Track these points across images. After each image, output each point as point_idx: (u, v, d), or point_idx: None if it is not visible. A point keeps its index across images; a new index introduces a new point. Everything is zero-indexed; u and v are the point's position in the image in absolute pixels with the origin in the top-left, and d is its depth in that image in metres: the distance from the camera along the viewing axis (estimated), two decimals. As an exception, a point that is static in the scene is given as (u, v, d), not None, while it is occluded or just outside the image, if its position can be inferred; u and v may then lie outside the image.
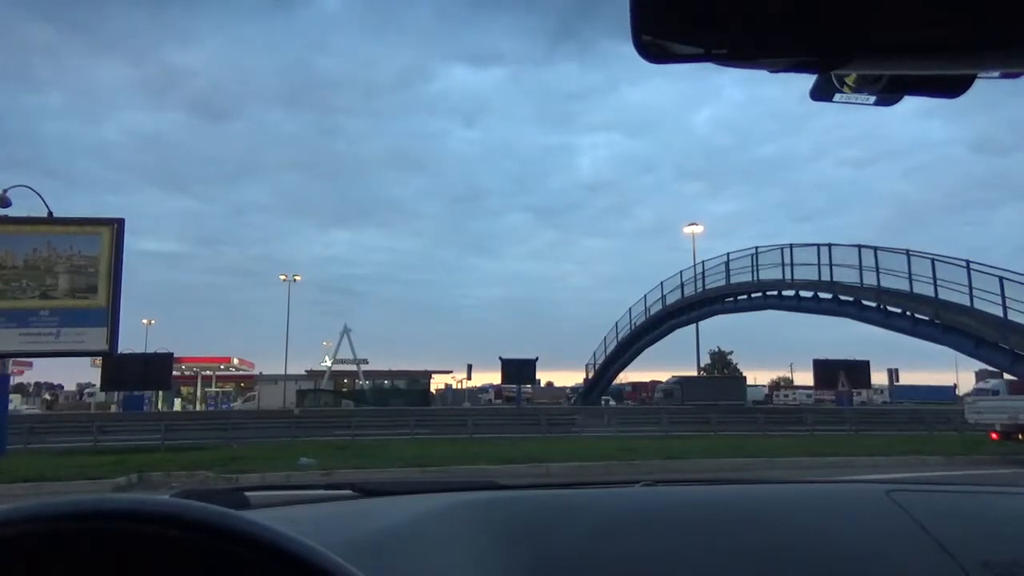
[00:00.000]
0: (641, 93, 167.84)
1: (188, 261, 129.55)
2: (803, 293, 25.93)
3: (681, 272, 33.56)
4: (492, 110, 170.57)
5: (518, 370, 32.27)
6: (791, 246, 26.10)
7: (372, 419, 24.37)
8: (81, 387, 57.29)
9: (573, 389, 55.28)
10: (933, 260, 20.59)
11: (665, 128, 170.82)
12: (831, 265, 24.00)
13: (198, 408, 51.30)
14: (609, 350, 38.92)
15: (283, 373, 51.69)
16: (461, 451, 16.43)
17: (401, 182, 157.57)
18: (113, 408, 38.99)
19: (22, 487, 11.57)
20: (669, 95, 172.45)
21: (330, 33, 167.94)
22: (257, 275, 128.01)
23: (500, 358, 32.19)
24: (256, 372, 59.40)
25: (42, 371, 64.72)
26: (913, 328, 21.30)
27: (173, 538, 0.55)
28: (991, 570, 1.14)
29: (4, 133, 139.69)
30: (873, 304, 22.59)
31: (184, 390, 58.05)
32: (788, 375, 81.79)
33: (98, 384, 37.42)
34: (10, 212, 18.23)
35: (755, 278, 27.94)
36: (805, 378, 54.16)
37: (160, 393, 39.06)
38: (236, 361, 62.80)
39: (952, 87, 0.63)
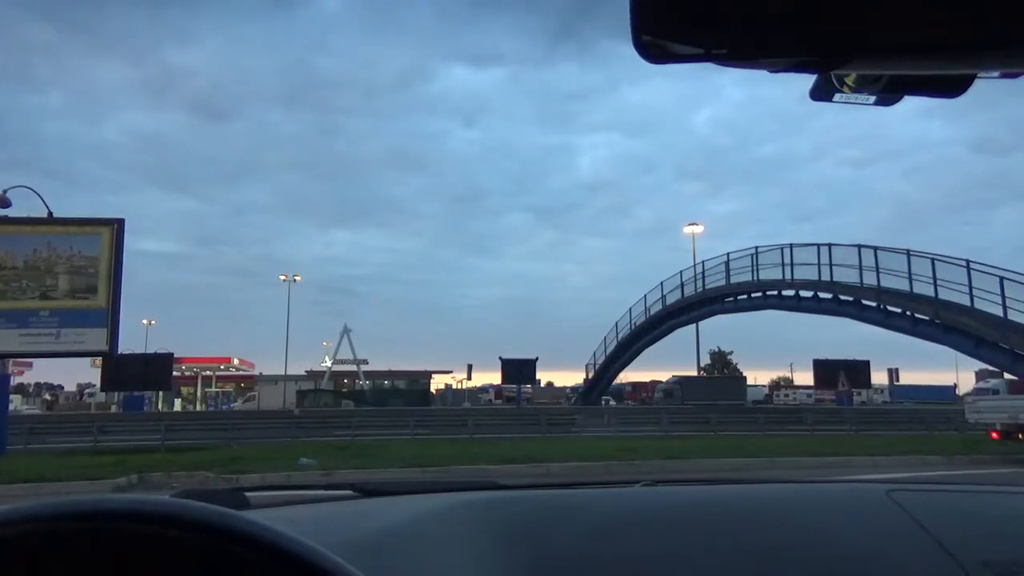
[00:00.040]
0: (641, 93, 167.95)
1: (188, 261, 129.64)
2: (803, 293, 25.93)
3: (681, 272, 33.61)
4: (492, 110, 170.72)
5: (518, 370, 32.28)
6: (791, 246, 26.11)
7: (372, 419, 24.37)
8: (81, 387, 57.30)
9: (573, 389, 55.29)
10: (933, 260, 20.59)
11: (665, 128, 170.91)
12: (831, 265, 24.00)
13: (198, 408, 51.27)
14: (609, 350, 38.92)
15: (283, 373, 51.72)
16: (461, 451, 16.43)
17: (401, 182, 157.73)
18: (113, 408, 38.98)
19: (22, 487, 11.56)
20: (669, 95, 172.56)
21: (330, 33, 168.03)
22: (257, 275, 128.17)
23: (500, 358, 32.23)
24: (256, 372, 59.41)
25: (42, 371, 64.81)
26: (913, 328, 21.30)
27: (173, 538, 0.55)
28: (991, 570, 1.14)
29: (4, 133, 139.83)
30: (873, 304, 22.59)
31: (184, 390, 58.07)
32: (788, 375, 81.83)
33: (98, 384, 37.47)
34: (10, 212, 18.26)
35: (755, 278, 27.94)
36: (805, 378, 54.23)
37: (160, 393, 39.10)
38: (236, 361, 62.80)
39: (952, 87, 0.63)
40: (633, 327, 36.67)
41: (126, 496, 0.59)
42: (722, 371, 61.62)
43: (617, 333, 38.35)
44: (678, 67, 0.54)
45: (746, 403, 38.06)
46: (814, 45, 0.52)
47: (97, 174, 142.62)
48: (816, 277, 24.70)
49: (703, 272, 31.73)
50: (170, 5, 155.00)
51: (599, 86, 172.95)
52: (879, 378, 44.52)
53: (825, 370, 34.43)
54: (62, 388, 67.63)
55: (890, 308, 22.07)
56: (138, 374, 27.20)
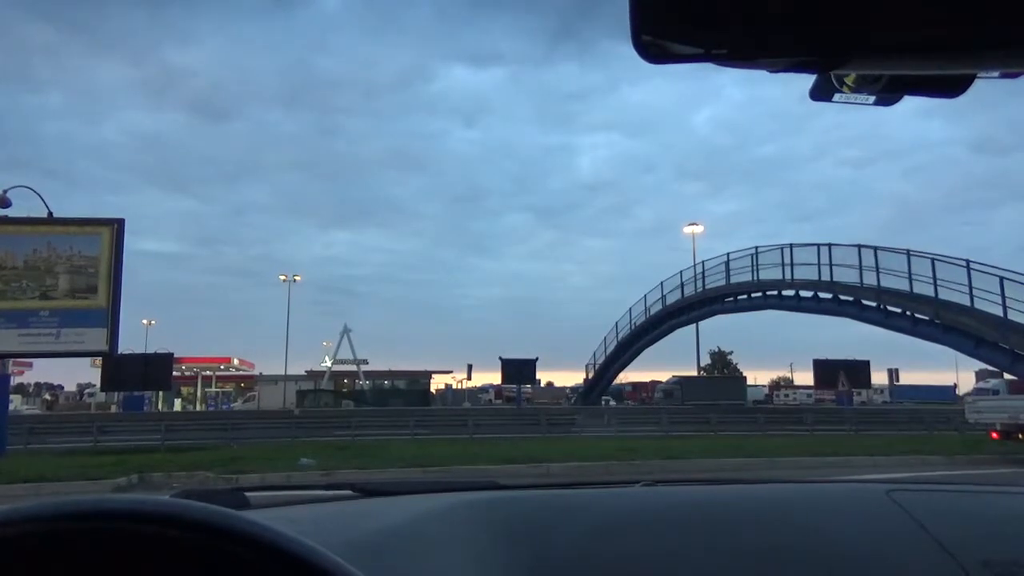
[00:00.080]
0: (641, 93, 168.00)
1: (188, 261, 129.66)
2: (803, 293, 25.93)
3: (681, 272, 33.61)
4: (492, 110, 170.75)
5: (518, 370, 32.28)
6: (791, 246, 26.11)
7: (372, 419, 24.37)
8: (81, 387, 57.29)
9: (573, 389, 55.28)
10: (933, 260, 20.59)
11: (665, 128, 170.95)
12: (831, 265, 24.00)
13: (198, 408, 51.26)
14: (609, 350, 38.92)
15: (283, 373, 51.71)
16: (461, 451, 16.43)
17: (401, 182, 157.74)
18: (113, 408, 38.98)
19: (22, 487, 11.56)
20: (669, 95, 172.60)
21: (330, 33, 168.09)
22: (257, 275, 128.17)
23: (500, 358, 32.24)
24: (256, 372, 59.42)
25: (42, 371, 64.82)
26: (913, 328, 21.31)
27: (173, 538, 0.55)
28: (991, 570, 1.14)
29: (4, 133, 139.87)
30: (873, 304, 22.59)
31: (184, 390, 58.06)
32: (788, 375, 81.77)
33: (98, 384, 37.48)
34: (10, 212, 18.26)
35: (755, 278, 27.94)
36: (805, 378, 54.21)
37: (160, 393, 39.11)
38: (236, 361, 62.80)
39: (952, 87, 0.63)
40: (633, 327, 36.67)
41: (126, 496, 0.59)
42: (722, 371, 61.60)
43: (617, 333, 38.36)
44: (678, 67, 0.54)
45: (746, 403, 38.05)
46: (814, 45, 0.52)
47: (97, 174, 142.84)
48: (816, 277, 24.70)
49: (703, 272, 31.75)
50: (170, 5, 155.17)
51: (599, 86, 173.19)
52: (879, 378, 44.61)
53: (825, 370, 34.45)
54: (62, 388, 67.69)
55: (890, 308, 22.07)
56: (138, 374, 27.21)
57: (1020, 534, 1.32)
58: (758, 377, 74.82)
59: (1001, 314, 18.47)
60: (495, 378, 44.70)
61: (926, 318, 20.70)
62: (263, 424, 23.44)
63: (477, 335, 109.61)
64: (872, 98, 0.68)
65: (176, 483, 12.21)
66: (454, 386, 58.60)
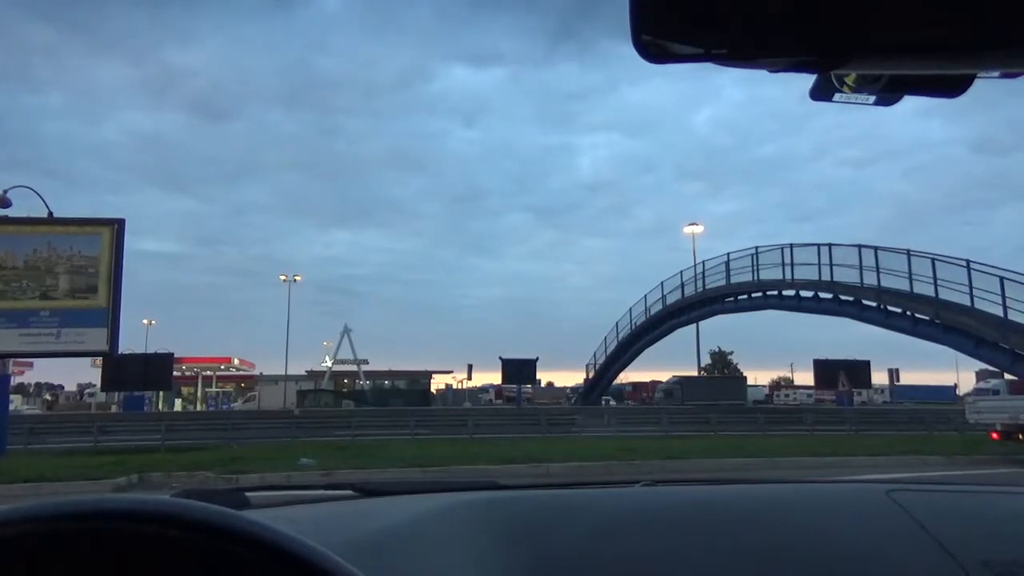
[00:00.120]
0: (641, 93, 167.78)
1: (188, 261, 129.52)
2: (803, 293, 25.93)
3: (681, 272, 33.62)
4: (492, 110, 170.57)
5: (518, 370, 32.30)
6: (791, 246, 26.12)
7: (372, 419, 24.38)
8: (81, 387, 57.31)
9: (573, 389, 55.30)
10: (933, 260, 20.59)
11: (665, 128, 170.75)
12: (831, 265, 24.01)
13: (198, 408, 51.29)
14: (609, 350, 38.93)
15: (283, 373, 51.73)
16: (461, 451, 16.44)
17: (401, 182, 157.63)
18: (113, 408, 38.99)
19: (22, 487, 11.56)
20: (669, 95, 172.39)
21: (330, 33, 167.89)
22: (257, 275, 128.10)
23: (500, 358, 32.26)
24: (256, 372, 59.42)
25: (42, 371, 64.78)
26: (913, 328, 21.31)
27: (173, 538, 0.55)
28: (991, 570, 1.14)
29: (4, 133, 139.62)
30: (873, 304, 22.60)
31: (184, 390, 58.10)
32: (788, 375, 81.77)
33: (98, 384, 37.47)
34: (10, 212, 18.26)
35: (755, 278, 27.94)
36: (805, 378, 54.20)
37: (160, 393, 39.12)
38: (236, 361, 62.83)
39: (952, 87, 0.63)
40: (633, 327, 36.67)
41: (126, 496, 0.59)
42: (722, 371, 61.60)
43: (617, 333, 38.37)
44: (678, 67, 0.54)
45: (746, 403, 38.07)
46: (814, 45, 0.52)
47: (97, 174, 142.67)
48: (816, 277, 24.71)
49: (703, 272, 31.75)
50: (170, 5, 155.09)
51: (599, 86, 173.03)
52: (879, 378, 44.66)
53: (825, 370, 34.46)
54: (62, 388, 67.66)
55: (890, 308, 22.08)
56: (138, 374, 27.22)
57: (1020, 534, 1.32)
58: (758, 377, 74.87)
59: (1001, 314, 18.47)
60: (495, 378, 44.72)
61: (926, 318, 20.71)
62: (263, 424, 23.43)
63: (477, 335, 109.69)
64: (872, 98, 0.68)
65: (176, 483, 12.21)
66: (454, 386, 58.67)
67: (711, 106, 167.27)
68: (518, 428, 22.51)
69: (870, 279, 22.46)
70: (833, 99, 0.69)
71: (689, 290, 32.58)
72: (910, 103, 0.69)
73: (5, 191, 18.53)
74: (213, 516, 0.56)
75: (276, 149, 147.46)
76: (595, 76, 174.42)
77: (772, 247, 27.25)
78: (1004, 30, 0.49)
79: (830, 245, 24.35)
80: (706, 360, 54.82)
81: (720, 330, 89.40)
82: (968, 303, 19.46)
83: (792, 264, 25.82)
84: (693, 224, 44.44)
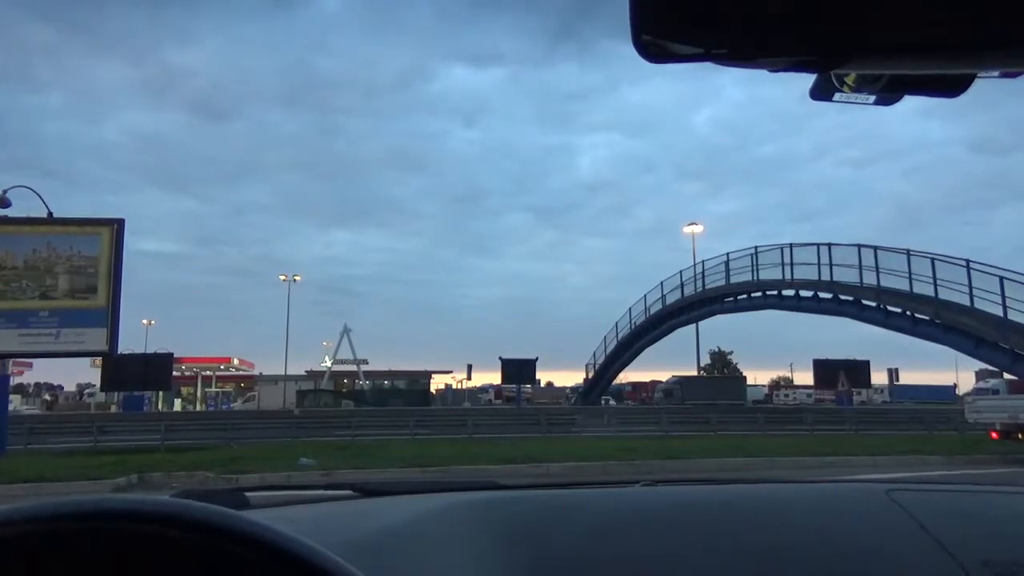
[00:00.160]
0: (641, 93, 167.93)
1: (188, 261, 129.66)
2: (803, 293, 25.93)
3: (681, 272, 33.62)
4: (492, 110, 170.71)
5: (518, 370, 32.32)
6: (791, 246, 26.11)
7: (372, 419, 24.37)
8: (81, 387, 57.27)
9: (573, 389, 55.30)
10: (933, 260, 20.59)
11: (665, 128, 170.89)
12: (831, 265, 24.01)
13: (198, 408, 51.28)
14: (609, 350, 38.93)
15: (283, 373, 51.72)
16: (461, 451, 16.43)
17: (401, 182, 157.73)
18: (113, 408, 38.98)
19: (22, 487, 11.55)
20: (669, 95, 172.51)
21: (330, 33, 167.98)
22: (257, 275, 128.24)
23: (500, 358, 32.31)
24: (256, 372, 59.43)
25: (42, 371, 64.79)
26: (913, 328, 21.31)
27: (173, 538, 0.55)
28: (991, 570, 1.14)
29: (4, 133, 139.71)
30: (873, 304, 22.60)
31: (184, 390, 58.07)
32: (788, 375, 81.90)
33: (98, 384, 37.48)
34: (10, 212, 18.25)
35: (755, 278, 27.94)
36: (805, 378, 54.28)
37: (160, 393, 39.11)
38: (236, 361, 62.81)
39: (952, 87, 0.63)
40: (633, 327, 36.67)
41: (126, 496, 0.59)
42: (722, 371, 61.61)
43: (617, 333, 38.37)
44: (678, 67, 0.54)
45: (746, 403, 38.06)
46: (814, 45, 0.52)
47: (97, 174, 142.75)
48: (816, 277, 24.71)
49: (703, 272, 31.75)
50: (170, 5, 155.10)
51: (599, 86, 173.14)
52: (879, 378, 44.61)
53: (825, 370, 34.47)
54: (62, 388, 67.70)
55: (890, 308, 22.08)
56: (138, 374, 27.23)
57: (1020, 534, 1.32)
58: (758, 377, 75.01)
59: (1001, 314, 18.47)
60: (495, 378, 44.76)
61: (926, 318, 20.71)
62: (263, 424, 23.43)
63: (477, 335, 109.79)
64: (872, 98, 0.68)
65: (176, 483, 12.20)
66: (454, 386, 58.71)
67: (711, 106, 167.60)
68: (518, 428, 22.50)
69: (870, 279, 22.46)
70: (833, 99, 0.69)
71: (689, 290, 32.59)
72: (910, 103, 0.69)
73: (5, 191, 18.52)
74: (213, 516, 0.56)
75: (276, 149, 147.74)
76: (595, 76, 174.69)
77: (772, 247, 27.27)
78: (1004, 30, 0.49)
79: (830, 245, 24.36)
80: (706, 360, 54.88)
81: (720, 330, 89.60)
82: (968, 303, 19.46)
83: (792, 264, 25.83)
84: (693, 224, 44.51)
